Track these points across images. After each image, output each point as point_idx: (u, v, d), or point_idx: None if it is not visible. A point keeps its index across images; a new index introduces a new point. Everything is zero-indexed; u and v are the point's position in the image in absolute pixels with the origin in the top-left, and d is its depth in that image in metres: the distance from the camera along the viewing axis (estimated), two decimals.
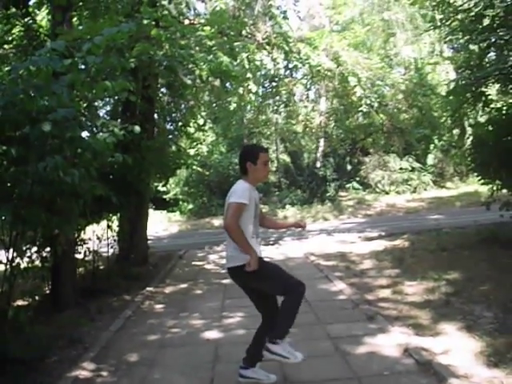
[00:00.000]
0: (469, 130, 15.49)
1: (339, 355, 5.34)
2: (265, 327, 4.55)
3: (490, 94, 11.58)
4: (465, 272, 8.33)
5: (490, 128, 10.85)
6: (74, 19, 9.17)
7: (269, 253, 12.86)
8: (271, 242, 15.54)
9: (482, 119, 13.41)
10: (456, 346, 5.19)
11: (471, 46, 12.41)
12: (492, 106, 11.55)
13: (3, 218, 5.03)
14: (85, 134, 5.94)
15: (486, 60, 11.60)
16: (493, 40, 10.69)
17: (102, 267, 10.30)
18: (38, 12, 11.04)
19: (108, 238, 10.38)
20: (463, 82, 11.58)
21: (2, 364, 5.04)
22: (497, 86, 12.24)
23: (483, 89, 11.18)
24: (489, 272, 8.14)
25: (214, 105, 18.16)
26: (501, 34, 10.31)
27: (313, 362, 5.17)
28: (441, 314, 6.33)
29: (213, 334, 6.21)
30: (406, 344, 5.29)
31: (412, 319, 6.29)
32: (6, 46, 9.75)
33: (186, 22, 12.35)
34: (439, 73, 29.09)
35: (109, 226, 10.23)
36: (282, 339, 4.26)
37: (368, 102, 18.07)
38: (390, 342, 5.50)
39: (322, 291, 8.43)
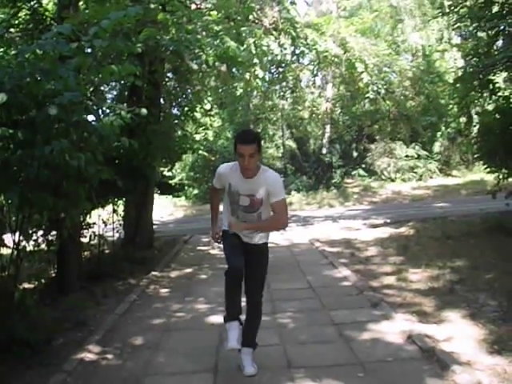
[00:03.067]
0: (476, 118, 15.43)
1: (343, 341, 5.36)
2: None
3: (497, 82, 11.52)
4: (470, 260, 8.33)
5: (497, 116, 10.80)
6: (81, 3, 9.11)
7: (274, 239, 12.86)
8: None
9: (489, 107, 13.31)
10: (459, 334, 5.20)
11: (479, 34, 12.34)
12: (499, 94, 11.48)
13: (10, 201, 5.05)
14: (91, 118, 5.94)
15: (495, 47, 11.53)
16: (501, 27, 10.62)
17: (107, 251, 10.34)
18: None
19: (113, 223, 10.41)
20: (471, 70, 11.51)
21: (8, 346, 5.09)
22: (504, 74, 12.17)
23: (491, 77, 11.11)
24: (494, 260, 8.14)
25: (221, 90, 18.08)
26: (510, 21, 10.25)
27: (317, 348, 5.21)
28: (445, 302, 6.34)
29: (217, 319, 6.22)
30: (409, 331, 5.31)
31: (416, 306, 6.31)
32: (12, 30, 9.72)
33: (193, 6, 12.27)
34: (447, 60, 28.90)
35: (114, 211, 10.25)
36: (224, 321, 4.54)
37: (375, 88, 17.99)
38: (394, 329, 5.52)
39: (327, 277, 8.46)
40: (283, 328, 5.97)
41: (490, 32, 11.12)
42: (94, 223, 9.28)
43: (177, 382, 4.61)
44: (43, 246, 6.33)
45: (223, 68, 12.12)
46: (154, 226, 13.13)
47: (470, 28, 12.68)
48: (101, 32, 4.90)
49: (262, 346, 4.81)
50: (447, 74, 26.79)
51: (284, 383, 4.39)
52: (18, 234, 5.37)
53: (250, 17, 13.26)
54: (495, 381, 4.06)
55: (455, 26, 14.19)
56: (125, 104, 10.09)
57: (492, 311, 5.81)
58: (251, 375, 4.49)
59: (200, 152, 19.91)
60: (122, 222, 10.98)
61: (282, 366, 4.79)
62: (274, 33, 13.97)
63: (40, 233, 6.17)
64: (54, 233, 6.73)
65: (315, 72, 22.21)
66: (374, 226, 14.25)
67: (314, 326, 5.92)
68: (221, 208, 4.68)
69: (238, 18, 12.01)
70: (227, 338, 4.43)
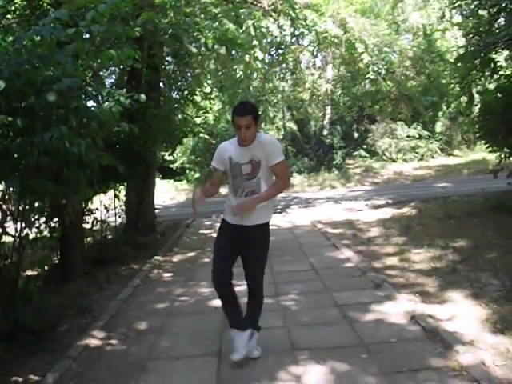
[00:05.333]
0: (477, 98, 15.35)
1: (346, 323, 5.38)
2: None
3: (498, 61, 11.46)
4: (472, 240, 8.34)
5: (499, 95, 10.73)
6: None
7: (276, 221, 12.90)
8: (278, 210, 15.56)
9: (490, 86, 13.26)
10: (462, 314, 5.22)
11: (481, 12, 12.25)
12: (501, 72, 11.42)
13: (11, 188, 5.05)
14: (90, 103, 5.91)
15: (496, 26, 11.44)
16: (503, 5, 10.54)
17: (109, 237, 10.37)
18: None
19: (115, 208, 10.42)
20: (472, 49, 11.45)
21: (13, 333, 5.12)
22: (506, 52, 12.10)
23: (492, 55, 11.05)
24: (496, 240, 8.14)
25: (220, 73, 17.97)
26: None
27: (320, 330, 5.23)
28: (448, 282, 6.35)
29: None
30: (412, 311, 5.32)
31: (419, 287, 6.33)
32: (9, 16, 9.68)
33: None
34: (448, 39, 28.70)
35: (116, 196, 10.25)
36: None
37: (375, 68, 17.88)
38: (397, 310, 5.53)
39: (329, 259, 8.48)
40: (286, 310, 5.99)
41: (491, 10, 11.05)
42: (96, 209, 9.29)
43: (181, 366, 4.63)
44: (46, 232, 6.33)
45: (222, 51, 12.02)
46: (156, 211, 13.14)
47: (471, 6, 12.58)
48: (98, 17, 4.87)
49: (265, 328, 4.83)
50: (448, 53, 26.64)
51: (288, 365, 4.40)
52: (20, 221, 5.37)
53: None
54: (498, 360, 4.07)
55: (456, 4, 14.13)
56: (124, 89, 10.04)
57: (495, 290, 5.82)
58: (255, 358, 4.53)
59: (201, 135, 19.85)
60: (123, 207, 10.99)
61: (285, 348, 4.81)
62: (273, 14, 13.87)
63: (42, 220, 6.17)
64: (56, 219, 6.74)
65: (315, 53, 22.09)
66: (376, 207, 14.26)
67: (317, 308, 5.94)
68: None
69: None
70: (232, 346, 4.54)
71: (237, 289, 4.60)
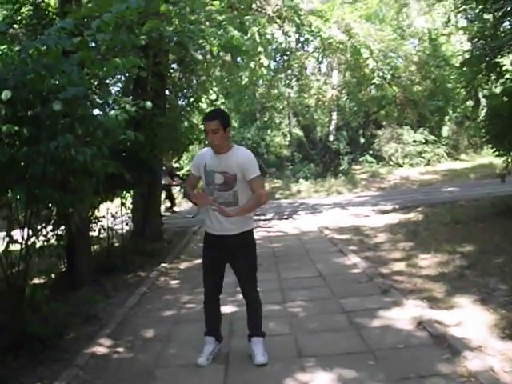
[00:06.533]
0: (483, 102, 15.34)
1: (353, 329, 5.36)
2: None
3: (504, 65, 11.42)
4: (479, 245, 8.30)
5: (505, 99, 10.69)
6: None
7: (283, 227, 12.91)
8: (285, 217, 15.56)
9: (496, 90, 13.21)
10: (470, 319, 5.19)
11: (486, 16, 12.21)
12: (507, 76, 11.38)
13: (18, 197, 5.07)
14: (96, 111, 5.93)
15: (501, 29, 11.42)
16: (508, 8, 10.50)
17: (116, 244, 10.37)
18: None
19: (122, 216, 10.42)
20: (477, 53, 11.43)
21: (20, 341, 5.13)
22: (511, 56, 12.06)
23: (498, 59, 11.02)
24: (503, 244, 8.10)
25: (226, 80, 18.05)
26: None
27: (327, 336, 5.22)
28: (455, 287, 6.33)
29: (228, 309, 6.23)
30: (420, 317, 5.30)
31: (426, 292, 6.30)
32: (15, 26, 9.73)
33: None
34: (453, 43, 28.65)
35: (122, 204, 10.26)
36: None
37: (381, 74, 17.92)
38: (404, 316, 5.51)
39: (336, 265, 8.46)
40: (294, 317, 5.98)
41: (496, 14, 11.01)
42: (103, 217, 9.30)
43: (189, 374, 4.62)
44: (52, 241, 6.34)
45: (228, 58, 12.08)
46: (163, 218, 13.14)
47: (476, 10, 12.56)
48: (103, 25, 4.89)
49: (272, 335, 4.83)
50: (454, 57, 26.55)
51: (295, 372, 4.40)
52: (26, 229, 5.39)
53: (253, 5, 13.23)
54: (507, 366, 4.05)
55: (461, 8, 14.09)
56: (130, 97, 10.08)
57: (503, 296, 5.80)
58: (262, 364, 4.53)
59: (207, 143, 19.86)
60: (130, 215, 11.00)
61: (292, 355, 4.81)
62: (278, 21, 13.94)
63: (49, 228, 6.19)
64: (62, 227, 6.76)
65: (320, 59, 22.21)
66: (383, 212, 14.23)
67: (325, 315, 5.93)
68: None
69: (241, 6, 11.97)
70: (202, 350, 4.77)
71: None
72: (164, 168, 15.12)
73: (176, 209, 19.44)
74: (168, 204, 19.17)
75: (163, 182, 14.71)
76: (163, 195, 16.11)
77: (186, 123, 13.61)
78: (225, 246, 4.59)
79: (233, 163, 4.45)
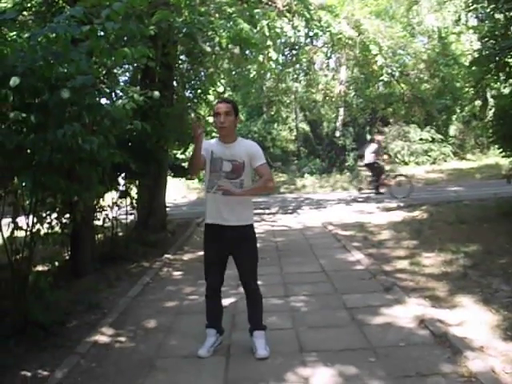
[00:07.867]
0: (491, 102, 15.24)
1: (355, 325, 5.36)
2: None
3: None
4: (483, 245, 8.28)
5: None
6: None
7: (287, 221, 12.90)
8: (289, 211, 15.55)
9: (505, 90, 13.15)
10: (472, 319, 5.19)
11: (496, 15, 12.13)
12: None
13: (24, 184, 5.07)
14: (104, 101, 5.93)
15: None
16: None
17: (120, 234, 10.37)
18: None
19: (127, 205, 10.42)
20: (487, 52, 11.34)
21: (23, 328, 5.15)
22: None
23: (507, 59, 10.94)
24: (508, 245, 8.09)
25: (234, 72, 18.02)
26: None
27: (329, 332, 5.22)
28: (458, 287, 6.32)
29: (230, 301, 6.24)
30: (422, 315, 5.30)
31: (429, 291, 6.30)
32: (25, 13, 9.70)
33: None
34: (463, 42, 28.51)
35: (128, 194, 10.26)
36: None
37: (389, 71, 17.88)
38: (407, 314, 5.51)
39: (340, 261, 8.45)
40: (295, 312, 5.98)
41: (507, 14, 10.94)
42: (108, 206, 9.30)
43: (189, 365, 4.63)
44: (57, 228, 6.36)
45: (236, 50, 12.04)
46: (167, 209, 13.15)
47: (487, 10, 12.48)
48: (113, 14, 4.87)
49: (274, 329, 4.83)
50: (463, 56, 26.44)
51: (296, 367, 4.40)
52: (31, 216, 5.40)
53: None
54: (508, 367, 4.04)
55: (472, 7, 14.01)
56: (138, 87, 10.06)
57: (506, 296, 5.79)
58: (263, 358, 4.54)
59: (213, 134, 19.86)
60: (135, 205, 11.01)
61: (294, 349, 4.81)
62: (288, 15, 13.87)
63: (54, 215, 6.20)
64: (67, 216, 6.77)
65: (329, 54, 22.07)
66: (388, 210, 14.22)
67: (327, 310, 5.93)
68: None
69: None
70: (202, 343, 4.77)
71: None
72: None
73: None
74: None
75: None
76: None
77: (192, 115, 13.58)
78: (224, 239, 4.59)
79: (241, 152, 4.54)
